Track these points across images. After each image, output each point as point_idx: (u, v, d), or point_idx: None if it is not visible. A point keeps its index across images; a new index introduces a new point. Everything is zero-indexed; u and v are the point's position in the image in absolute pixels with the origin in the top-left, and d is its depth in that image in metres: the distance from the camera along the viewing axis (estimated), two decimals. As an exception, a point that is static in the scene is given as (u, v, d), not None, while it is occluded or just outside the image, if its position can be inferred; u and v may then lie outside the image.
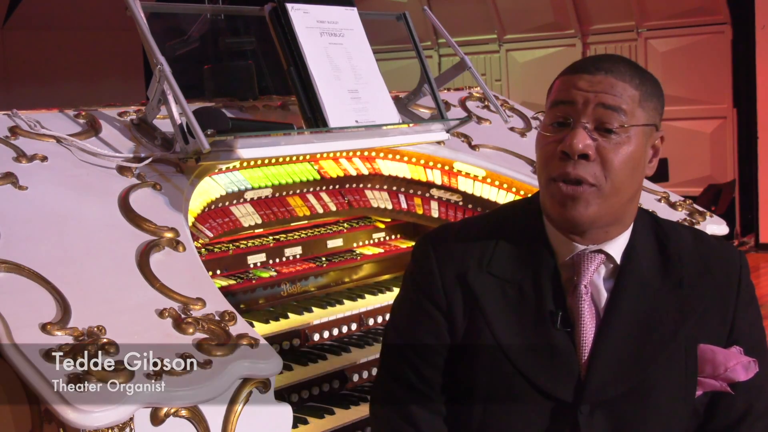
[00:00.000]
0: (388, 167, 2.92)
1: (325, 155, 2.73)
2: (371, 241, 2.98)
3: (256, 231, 2.65)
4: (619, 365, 1.58)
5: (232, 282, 2.50)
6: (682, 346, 1.61)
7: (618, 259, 1.63)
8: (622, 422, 1.58)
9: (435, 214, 2.93)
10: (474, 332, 1.62)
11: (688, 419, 1.63)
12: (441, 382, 1.64)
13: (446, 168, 2.95)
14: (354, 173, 2.83)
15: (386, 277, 2.93)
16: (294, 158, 2.66)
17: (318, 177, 2.73)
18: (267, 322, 2.39)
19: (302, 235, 2.77)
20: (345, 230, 2.91)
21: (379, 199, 2.90)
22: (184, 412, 1.67)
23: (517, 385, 1.59)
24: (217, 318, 1.85)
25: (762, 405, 1.67)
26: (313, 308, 2.53)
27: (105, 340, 1.67)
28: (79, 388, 1.56)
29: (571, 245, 1.62)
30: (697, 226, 2.89)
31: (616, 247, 1.63)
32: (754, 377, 1.63)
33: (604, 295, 1.62)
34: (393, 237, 3.05)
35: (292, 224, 2.73)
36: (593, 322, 1.60)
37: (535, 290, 1.62)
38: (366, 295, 2.71)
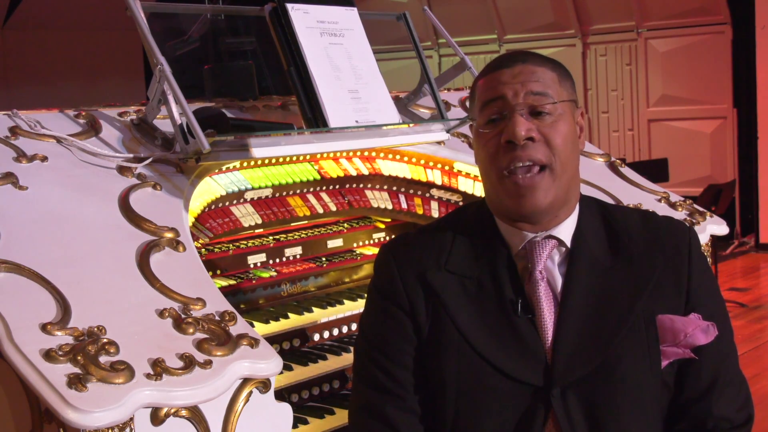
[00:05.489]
0: (388, 167, 2.92)
1: (325, 155, 2.73)
2: (371, 241, 2.98)
3: (256, 231, 2.65)
4: (582, 345, 1.62)
5: (232, 282, 2.50)
6: (641, 319, 1.65)
7: (568, 243, 1.68)
8: (594, 400, 1.61)
9: (435, 214, 2.93)
10: (439, 329, 1.66)
11: (658, 391, 1.65)
12: (413, 382, 1.67)
13: (446, 168, 2.95)
14: (354, 173, 2.83)
15: (386, 277, 2.92)
16: (294, 158, 2.66)
17: (318, 177, 2.73)
18: (267, 322, 2.39)
19: (302, 235, 2.77)
20: (345, 230, 2.90)
21: (379, 199, 2.90)
22: (184, 412, 1.67)
23: (487, 374, 1.62)
24: (217, 318, 1.85)
25: (729, 373, 1.70)
26: (313, 308, 2.53)
27: (105, 340, 1.67)
28: (79, 388, 1.56)
29: (522, 234, 1.68)
30: (697, 227, 2.89)
31: (565, 231, 1.69)
32: (717, 345, 1.67)
33: (559, 280, 1.67)
34: (393, 237, 3.04)
35: (292, 224, 2.73)
36: (551, 307, 1.65)
37: (493, 282, 1.67)
38: (366, 295, 2.70)
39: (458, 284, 1.67)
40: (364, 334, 1.74)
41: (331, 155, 2.75)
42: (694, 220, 2.93)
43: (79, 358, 1.61)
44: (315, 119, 2.47)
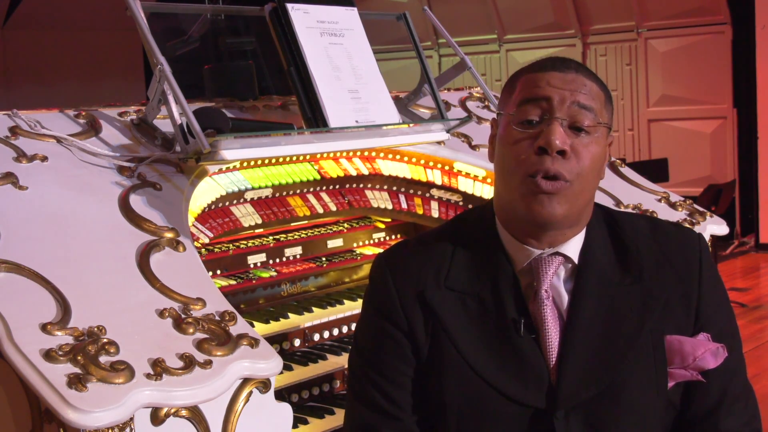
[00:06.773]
0: (388, 167, 2.92)
1: (325, 155, 2.73)
2: (371, 241, 2.98)
3: (256, 231, 2.65)
4: (588, 367, 1.57)
5: (232, 282, 2.50)
6: (649, 339, 1.59)
7: (575, 259, 1.61)
8: (598, 423, 1.56)
9: (435, 214, 2.93)
10: (438, 349, 1.60)
11: (663, 412, 1.61)
12: (411, 402, 1.62)
13: (446, 168, 2.95)
14: (354, 173, 2.83)
15: (386, 277, 2.92)
16: (294, 158, 2.65)
17: (318, 177, 2.73)
18: (267, 322, 2.39)
19: (302, 235, 2.77)
20: (345, 230, 2.91)
21: (379, 199, 2.90)
22: (184, 412, 1.67)
23: (488, 396, 1.57)
24: (217, 318, 1.85)
25: (737, 387, 1.66)
26: (313, 308, 2.53)
27: (105, 340, 1.67)
28: (79, 388, 1.56)
29: (528, 251, 1.60)
30: (697, 227, 2.89)
31: (573, 248, 1.61)
32: (725, 362, 1.62)
33: (565, 298, 1.60)
34: (393, 237, 3.04)
35: (292, 224, 2.73)
36: (557, 326, 1.58)
37: (495, 300, 1.60)
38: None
39: (458, 302, 1.60)
40: (360, 352, 1.68)
41: (331, 155, 2.75)
42: (694, 220, 2.93)
43: (79, 358, 1.61)
44: (315, 119, 2.47)
